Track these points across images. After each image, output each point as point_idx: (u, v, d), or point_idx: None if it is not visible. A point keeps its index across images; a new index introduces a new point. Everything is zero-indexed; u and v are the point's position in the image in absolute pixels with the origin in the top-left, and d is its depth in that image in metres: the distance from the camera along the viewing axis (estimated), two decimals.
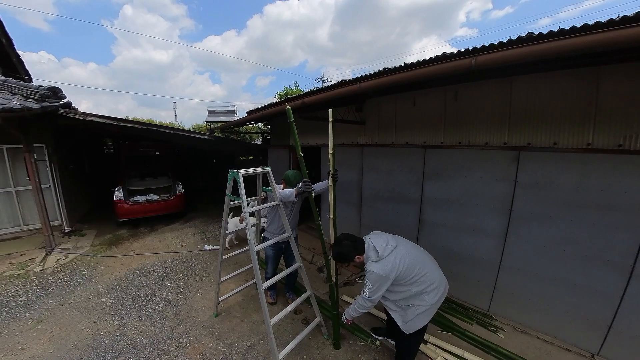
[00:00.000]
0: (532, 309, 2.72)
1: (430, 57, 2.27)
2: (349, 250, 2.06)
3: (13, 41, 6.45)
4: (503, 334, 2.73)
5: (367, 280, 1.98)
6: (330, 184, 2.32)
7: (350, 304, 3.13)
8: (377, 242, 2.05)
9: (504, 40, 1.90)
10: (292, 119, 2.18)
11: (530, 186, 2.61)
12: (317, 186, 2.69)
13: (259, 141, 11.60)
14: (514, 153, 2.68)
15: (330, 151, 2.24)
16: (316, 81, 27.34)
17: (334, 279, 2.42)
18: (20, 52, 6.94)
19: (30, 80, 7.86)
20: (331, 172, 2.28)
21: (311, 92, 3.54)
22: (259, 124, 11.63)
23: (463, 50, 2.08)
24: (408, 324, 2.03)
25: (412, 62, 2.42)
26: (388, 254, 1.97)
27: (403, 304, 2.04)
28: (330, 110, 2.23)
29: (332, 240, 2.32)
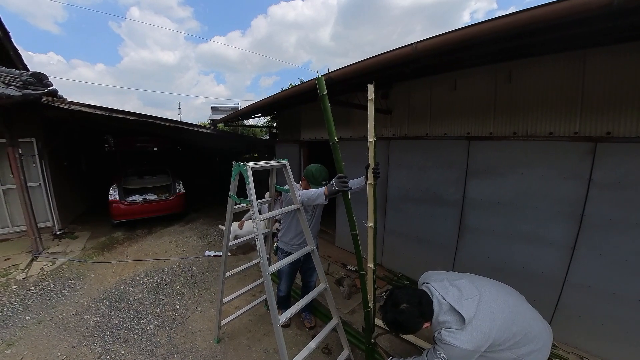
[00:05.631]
0: (605, 336, 2.22)
1: None
2: (414, 319, 1.41)
3: (10, 34, 6.19)
4: None
5: (442, 355, 1.36)
6: (370, 181, 1.76)
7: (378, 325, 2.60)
8: (450, 295, 1.40)
9: None
10: (325, 92, 1.54)
11: (609, 186, 2.10)
12: (353, 184, 2.03)
13: (264, 138, 11.14)
14: (588, 145, 2.16)
15: (370, 139, 1.68)
16: None
17: (370, 306, 1.87)
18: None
19: None
20: (372, 166, 1.74)
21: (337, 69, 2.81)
22: (264, 120, 11.12)
23: None
24: None
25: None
26: (474, 314, 1.34)
27: None
28: (370, 86, 1.68)
29: (370, 256, 1.78)
